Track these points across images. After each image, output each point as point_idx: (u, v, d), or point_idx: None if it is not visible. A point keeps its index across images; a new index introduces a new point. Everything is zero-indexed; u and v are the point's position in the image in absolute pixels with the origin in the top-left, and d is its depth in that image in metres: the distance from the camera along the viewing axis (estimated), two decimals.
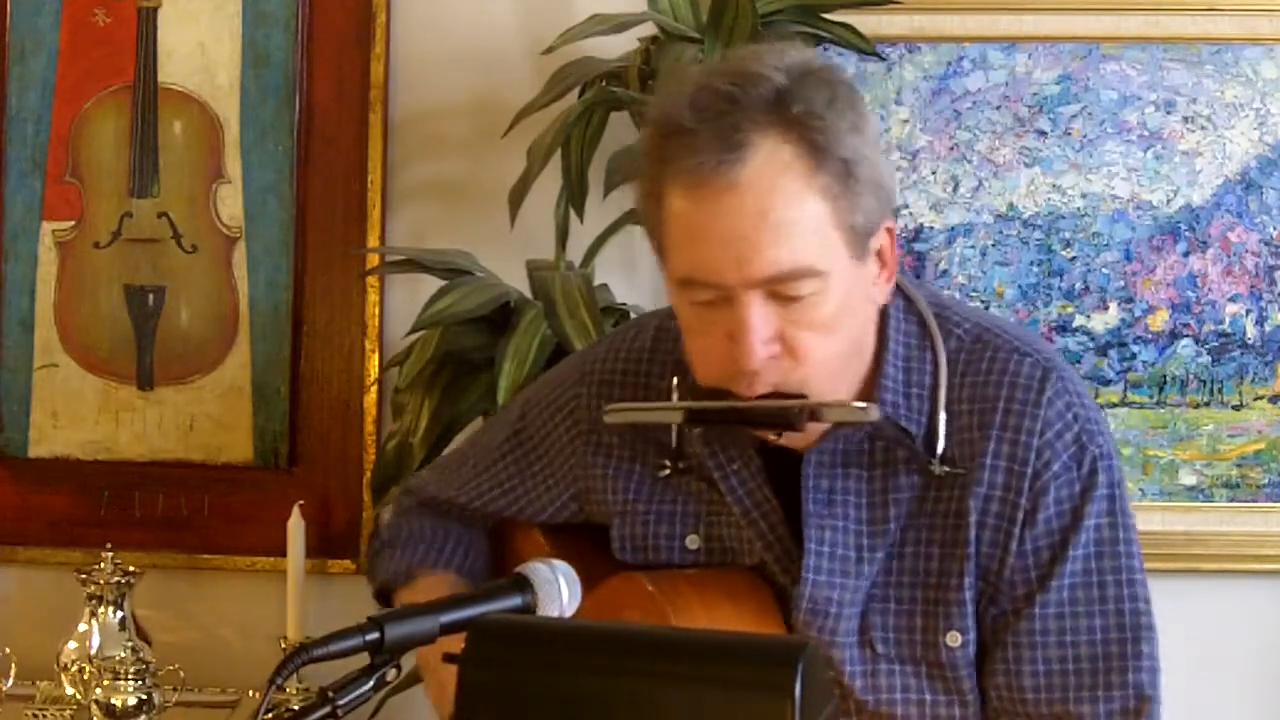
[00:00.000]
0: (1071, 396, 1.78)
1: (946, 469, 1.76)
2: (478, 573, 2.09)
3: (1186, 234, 2.81)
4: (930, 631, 1.76)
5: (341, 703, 1.54)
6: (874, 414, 1.71)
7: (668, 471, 1.88)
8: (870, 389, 1.78)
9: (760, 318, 1.66)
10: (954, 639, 1.75)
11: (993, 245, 2.82)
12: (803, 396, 1.70)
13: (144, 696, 2.55)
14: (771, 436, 1.76)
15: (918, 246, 2.82)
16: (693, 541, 1.87)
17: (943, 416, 1.76)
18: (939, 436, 1.76)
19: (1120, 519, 1.76)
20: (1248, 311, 2.82)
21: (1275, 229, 2.81)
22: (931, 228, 2.82)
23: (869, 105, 1.75)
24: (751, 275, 1.65)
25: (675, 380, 1.86)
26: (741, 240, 1.64)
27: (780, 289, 1.66)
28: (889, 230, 1.74)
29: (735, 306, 1.67)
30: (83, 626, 2.68)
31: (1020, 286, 2.82)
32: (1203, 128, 2.80)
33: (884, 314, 1.80)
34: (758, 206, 1.64)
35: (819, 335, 1.68)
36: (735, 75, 1.68)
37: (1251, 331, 2.82)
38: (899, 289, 1.82)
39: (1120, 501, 1.77)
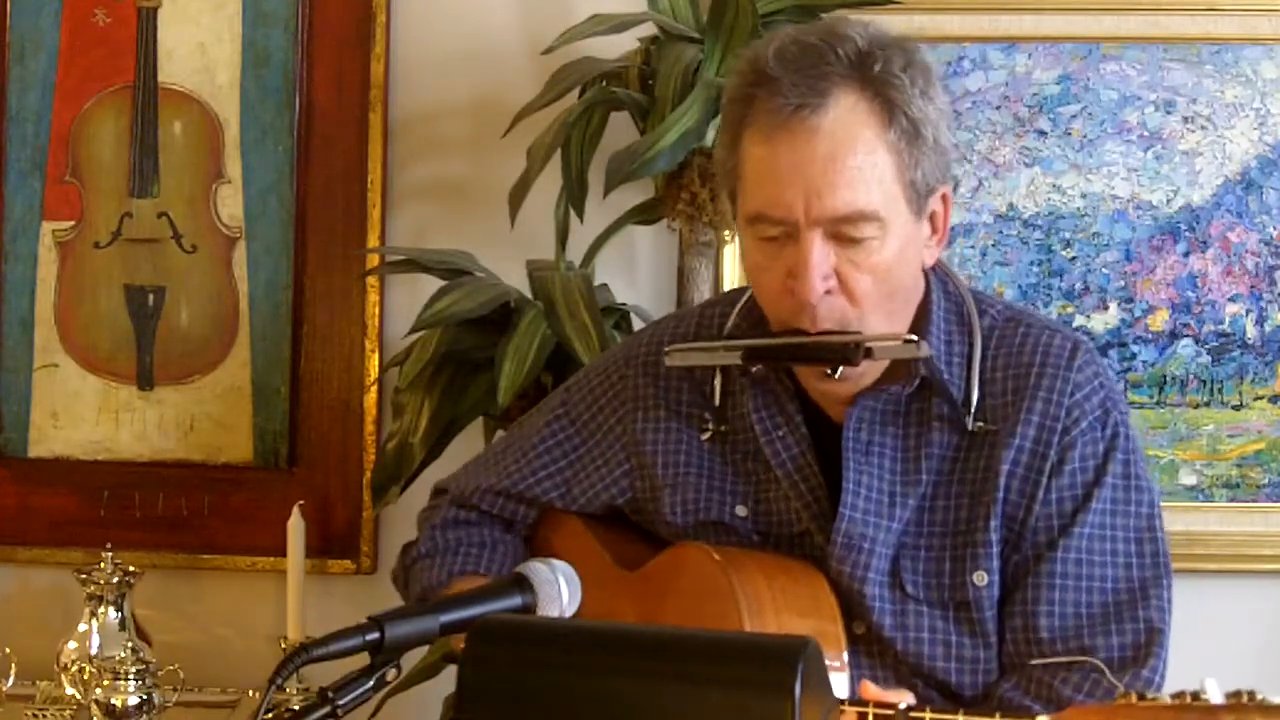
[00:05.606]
0: (1098, 367, 1.92)
1: (980, 424, 1.88)
2: None
3: (1186, 234, 2.81)
4: (958, 574, 1.87)
5: (341, 703, 1.55)
6: (925, 350, 1.84)
7: (709, 433, 1.99)
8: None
9: (820, 254, 1.79)
10: (980, 578, 1.86)
11: (993, 245, 2.82)
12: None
13: (144, 696, 2.55)
14: (826, 373, 1.85)
15: None
16: (741, 510, 1.97)
17: (976, 382, 1.90)
18: (973, 398, 1.89)
19: (1133, 482, 1.89)
20: (1248, 311, 2.81)
21: (1275, 229, 2.81)
22: None
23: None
24: (819, 213, 1.78)
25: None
26: (813, 180, 1.77)
27: (842, 230, 1.79)
28: (945, 198, 1.88)
29: (799, 243, 1.80)
30: (83, 626, 2.69)
31: (1020, 286, 2.82)
32: (1203, 128, 2.80)
33: (926, 290, 1.93)
34: (832, 151, 1.78)
35: (873, 279, 1.81)
36: (823, 33, 1.83)
37: (1251, 331, 2.82)
38: (940, 269, 1.96)
39: (1134, 467, 1.90)
